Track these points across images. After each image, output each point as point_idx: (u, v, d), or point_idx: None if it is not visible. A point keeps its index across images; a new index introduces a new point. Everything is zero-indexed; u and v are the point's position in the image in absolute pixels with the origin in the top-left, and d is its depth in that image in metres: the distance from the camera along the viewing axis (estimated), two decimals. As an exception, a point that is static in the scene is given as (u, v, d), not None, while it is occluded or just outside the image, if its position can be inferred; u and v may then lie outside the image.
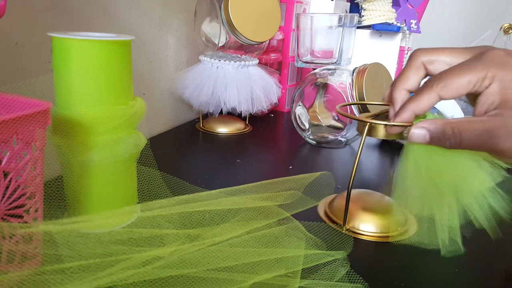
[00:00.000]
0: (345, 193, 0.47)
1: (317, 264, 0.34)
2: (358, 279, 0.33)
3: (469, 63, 0.31)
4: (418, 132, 0.31)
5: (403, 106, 0.34)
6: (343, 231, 0.42)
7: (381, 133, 0.39)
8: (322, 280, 0.32)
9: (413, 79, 0.35)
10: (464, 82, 0.30)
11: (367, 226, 0.43)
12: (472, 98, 0.34)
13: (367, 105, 0.62)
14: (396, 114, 0.34)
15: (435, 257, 0.39)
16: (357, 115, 0.52)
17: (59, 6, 0.48)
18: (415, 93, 0.33)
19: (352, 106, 0.66)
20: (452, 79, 0.30)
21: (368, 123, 0.38)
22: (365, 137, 0.39)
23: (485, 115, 0.30)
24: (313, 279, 0.32)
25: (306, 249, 0.35)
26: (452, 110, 0.85)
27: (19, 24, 0.44)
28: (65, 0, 0.49)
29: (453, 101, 0.86)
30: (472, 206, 0.34)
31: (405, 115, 0.33)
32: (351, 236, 0.41)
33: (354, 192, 0.47)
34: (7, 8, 0.31)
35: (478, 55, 0.31)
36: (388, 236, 0.42)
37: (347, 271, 0.34)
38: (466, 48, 0.33)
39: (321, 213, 0.46)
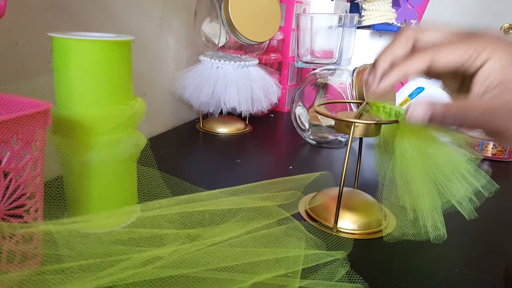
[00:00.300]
0: (326, 191, 0.47)
1: (317, 264, 0.34)
2: (358, 279, 0.33)
3: (465, 36, 0.29)
4: (419, 109, 0.29)
5: (391, 68, 0.31)
6: (333, 233, 0.42)
7: (359, 131, 0.40)
8: (322, 280, 0.32)
9: (400, 50, 0.32)
10: (461, 51, 0.28)
11: (349, 223, 0.43)
12: (451, 85, 0.33)
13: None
14: (384, 74, 0.32)
15: (435, 256, 0.39)
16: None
17: (59, 6, 0.48)
18: (406, 57, 0.31)
19: (352, 104, 0.66)
20: (448, 46, 0.29)
21: (353, 123, 0.39)
22: (351, 138, 0.40)
23: (486, 95, 0.28)
24: (313, 279, 0.32)
25: (306, 249, 0.35)
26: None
27: (19, 24, 0.44)
28: (65, 0, 0.49)
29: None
30: (454, 190, 0.36)
31: (393, 76, 0.31)
32: (342, 236, 0.41)
33: (333, 191, 0.47)
34: (7, 8, 0.31)
35: (473, 33, 0.29)
36: (371, 233, 0.42)
37: (347, 271, 0.34)
38: (458, 29, 0.31)
39: (302, 212, 0.46)
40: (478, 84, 0.28)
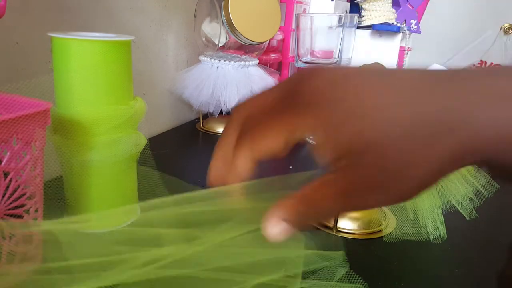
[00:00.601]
0: None
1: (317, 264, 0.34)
2: (358, 279, 0.33)
3: (278, 109, 0.21)
4: (276, 229, 0.21)
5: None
6: (333, 233, 0.42)
7: None
8: (322, 281, 0.32)
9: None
10: (273, 137, 0.21)
11: (349, 224, 0.43)
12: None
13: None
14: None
15: (435, 256, 0.39)
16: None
17: (59, 6, 0.48)
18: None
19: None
20: (261, 131, 0.22)
21: None
22: None
23: (335, 171, 0.20)
24: (313, 279, 0.32)
25: (306, 249, 0.35)
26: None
27: (19, 24, 0.44)
28: (65, 0, 0.49)
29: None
30: (454, 190, 0.36)
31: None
32: (342, 236, 0.41)
33: None
34: (7, 8, 0.31)
35: (290, 96, 0.21)
36: (371, 233, 0.42)
37: (346, 271, 0.34)
38: (280, 85, 0.22)
39: None
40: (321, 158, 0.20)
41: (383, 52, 0.95)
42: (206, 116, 0.82)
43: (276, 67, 0.94)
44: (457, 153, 0.17)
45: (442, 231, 0.38)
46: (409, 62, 1.09)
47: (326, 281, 0.32)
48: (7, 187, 0.26)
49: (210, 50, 0.74)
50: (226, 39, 0.72)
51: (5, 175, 0.26)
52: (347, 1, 1.04)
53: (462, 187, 0.38)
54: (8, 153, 0.26)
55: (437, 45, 1.49)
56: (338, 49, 0.79)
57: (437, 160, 0.17)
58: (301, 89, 0.20)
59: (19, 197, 0.28)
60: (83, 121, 0.34)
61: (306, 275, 0.32)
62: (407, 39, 0.99)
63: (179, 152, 0.64)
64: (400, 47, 0.95)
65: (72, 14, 0.51)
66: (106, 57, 0.34)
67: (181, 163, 0.59)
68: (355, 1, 0.95)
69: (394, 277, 0.35)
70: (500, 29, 1.35)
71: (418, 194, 0.19)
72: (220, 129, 0.76)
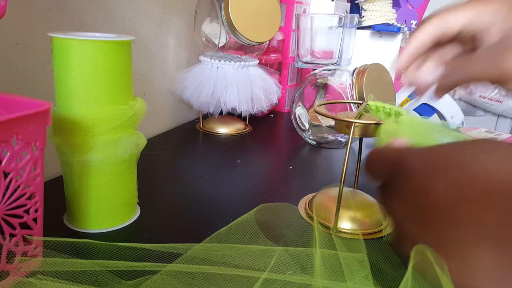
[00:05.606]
0: (326, 191, 0.47)
1: (335, 264, 0.33)
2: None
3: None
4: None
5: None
6: (333, 233, 0.42)
7: (358, 131, 0.40)
8: (339, 281, 0.32)
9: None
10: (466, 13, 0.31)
11: (349, 224, 0.42)
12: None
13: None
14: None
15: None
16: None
17: (59, 6, 0.48)
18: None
19: (352, 104, 0.66)
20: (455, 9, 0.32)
21: (353, 123, 0.39)
22: (351, 138, 0.40)
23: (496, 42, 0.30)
24: (330, 280, 0.32)
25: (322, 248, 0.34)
26: (452, 110, 0.85)
27: (19, 24, 0.44)
28: (65, 0, 0.49)
29: (453, 101, 0.86)
30: None
31: (405, 53, 0.37)
32: (342, 236, 0.41)
33: (333, 191, 0.47)
34: (7, 8, 0.31)
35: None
36: (371, 233, 0.42)
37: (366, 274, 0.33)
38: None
39: (302, 211, 0.46)
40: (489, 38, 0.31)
41: (383, 53, 0.95)
42: (206, 116, 0.82)
43: (276, 67, 0.94)
44: None
45: None
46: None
47: (344, 282, 0.31)
48: (7, 187, 0.26)
49: (210, 50, 0.74)
50: (226, 39, 0.73)
51: (5, 175, 0.26)
52: (347, 2, 1.04)
53: None
54: (8, 153, 0.26)
55: (437, 45, 1.48)
56: (338, 50, 0.79)
57: None
58: None
59: (19, 197, 0.28)
60: (83, 121, 0.34)
61: (324, 274, 0.32)
62: (408, 40, 0.99)
63: (179, 152, 0.64)
64: (400, 47, 0.95)
65: (73, 14, 0.51)
66: (106, 57, 0.34)
67: (181, 163, 0.59)
68: (356, 2, 0.95)
69: (394, 278, 0.35)
70: (500, 29, 1.35)
71: None
72: (220, 129, 0.76)
